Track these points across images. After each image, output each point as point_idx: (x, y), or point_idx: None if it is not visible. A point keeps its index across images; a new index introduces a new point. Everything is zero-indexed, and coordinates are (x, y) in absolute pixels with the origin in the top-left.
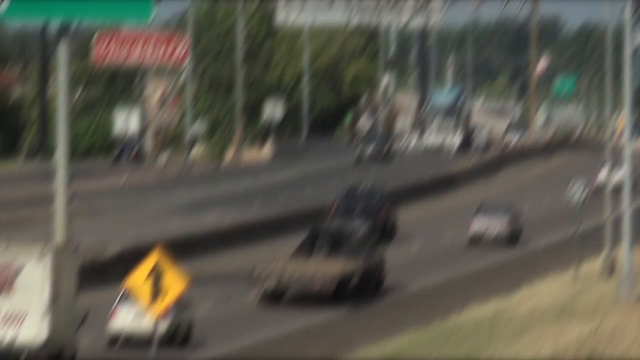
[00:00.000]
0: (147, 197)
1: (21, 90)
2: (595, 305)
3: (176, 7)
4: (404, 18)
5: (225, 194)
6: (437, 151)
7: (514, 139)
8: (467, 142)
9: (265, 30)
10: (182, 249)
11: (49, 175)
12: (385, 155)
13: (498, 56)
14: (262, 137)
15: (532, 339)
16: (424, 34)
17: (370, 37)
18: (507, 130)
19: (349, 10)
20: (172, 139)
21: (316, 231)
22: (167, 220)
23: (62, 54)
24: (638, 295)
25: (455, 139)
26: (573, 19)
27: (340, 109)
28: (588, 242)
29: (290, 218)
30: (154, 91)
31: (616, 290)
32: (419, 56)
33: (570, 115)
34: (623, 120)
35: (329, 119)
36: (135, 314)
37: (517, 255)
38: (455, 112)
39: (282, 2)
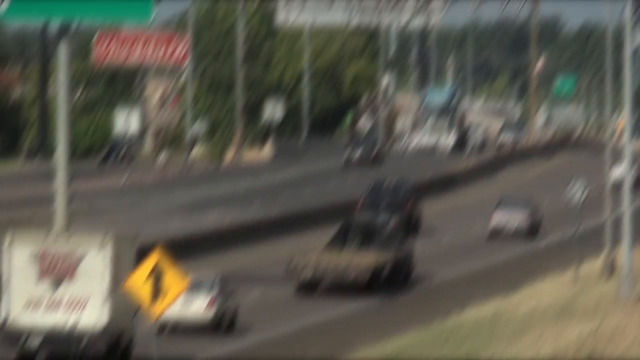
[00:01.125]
0: (147, 197)
1: (21, 90)
2: (595, 305)
3: (176, 7)
4: (404, 18)
5: (225, 194)
6: (431, 152)
7: (508, 139)
8: (461, 142)
9: (265, 30)
10: (182, 249)
11: (49, 175)
12: (374, 158)
13: (498, 56)
14: (262, 137)
15: (532, 339)
16: (424, 34)
17: (370, 37)
18: (501, 130)
19: (349, 10)
20: (172, 139)
21: (348, 224)
22: (167, 220)
23: (62, 54)
24: (638, 295)
25: (449, 139)
26: (573, 19)
27: (340, 109)
28: (588, 242)
29: (290, 218)
30: (154, 91)
31: (616, 290)
32: (419, 56)
33: (570, 115)
34: (623, 120)
35: (329, 119)
36: (183, 302)
37: (518, 255)
38: (449, 112)
39: (282, 2)
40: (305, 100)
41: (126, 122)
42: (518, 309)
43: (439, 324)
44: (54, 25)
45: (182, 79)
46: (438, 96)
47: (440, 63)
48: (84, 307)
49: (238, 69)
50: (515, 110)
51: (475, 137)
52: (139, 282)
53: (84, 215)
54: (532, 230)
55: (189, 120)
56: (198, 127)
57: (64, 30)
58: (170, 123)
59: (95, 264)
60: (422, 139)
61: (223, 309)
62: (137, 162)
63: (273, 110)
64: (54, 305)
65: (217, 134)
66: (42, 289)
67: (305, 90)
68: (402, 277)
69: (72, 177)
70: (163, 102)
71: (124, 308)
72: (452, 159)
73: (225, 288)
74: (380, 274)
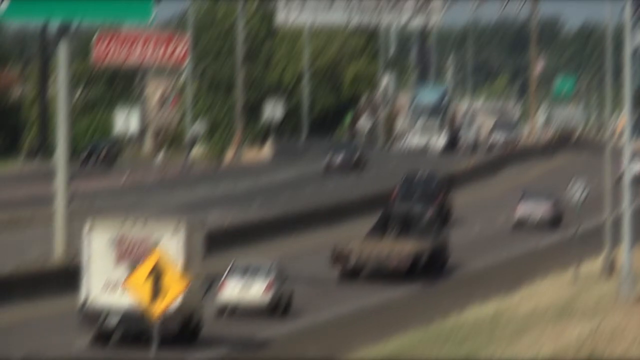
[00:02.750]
0: (147, 197)
1: (21, 90)
2: (595, 305)
3: (176, 7)
4: (404, 18)
5: (225, 194)
6: (422, 153)
7: (500, 139)
8: (453, 143)
9: (265, 30)
10: None
11: (49, 175)
12: (355, 163)
13: (498, 56)
14: (262, 137)
15: (532, 339)
16: (424, 34)
17: (370, 37)
18: (492, 130)
19: (349, 10)
20: (172, 139)
21: (387, 214)
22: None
23: (62, 54)
24: (638, 295)
25: (440, 140)
26: (573, 19)
27: (340, 109)
28: (588, 242)
29: (290, 218)
30: (154, 91)
31: (616, 290)
32: (419, 56)
33: (570, 115)
34: (623, 120)
35: (329, 119)
36: (242, 286)
37: (517, 255)
38: (440, 112)
39: (282, 2)
40: (305, 100)
41: (126, 122)
42: (518, 309)
43: (438, 324)
44: (54, 25)
45: (182, 79)
46: (428, 96)
47: (440, 63)
48: None
49: (238, 69)
50: (515, 110)
51: (467, 138)
52: (139, 282)
53: (84, 215)
54: (555, 221)
55: (189, 120)
56: (198, 127)
57: (64, 30)
58: (170, 123)
59: (169, 248)
60: (413, 139)
61: (279, 293)
62: (120, 163)
63: (273, 110)
64: None
65: (217, 134)
66: (120, 271)
67: (305, 90)
68: (439, 265)
69: (72, 177)
70: (163, 102)
71: (195, 289)
72: (444, 160)
73: (281, 274)
74: (420, 261)
